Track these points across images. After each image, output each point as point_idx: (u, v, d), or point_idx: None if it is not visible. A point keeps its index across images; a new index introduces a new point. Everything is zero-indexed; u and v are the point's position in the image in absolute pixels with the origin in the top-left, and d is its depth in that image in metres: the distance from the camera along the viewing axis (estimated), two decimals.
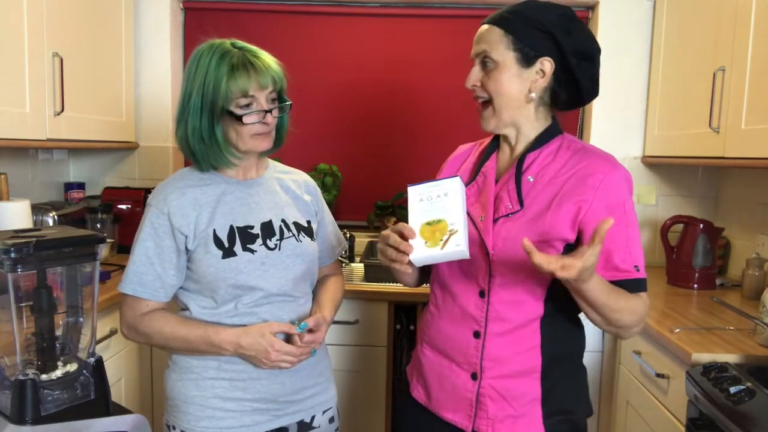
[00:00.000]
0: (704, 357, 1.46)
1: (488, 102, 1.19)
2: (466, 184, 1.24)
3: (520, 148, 1.23)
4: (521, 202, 1.15)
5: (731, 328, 1.66)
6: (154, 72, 2.60)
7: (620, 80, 2.53)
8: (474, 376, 1.18)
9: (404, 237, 1.09)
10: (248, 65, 1.22)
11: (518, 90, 1.17)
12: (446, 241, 1.06)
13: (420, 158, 2.67)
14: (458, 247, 1.06)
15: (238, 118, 1.23)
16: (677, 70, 2.29)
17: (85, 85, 2.14)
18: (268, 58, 1.26)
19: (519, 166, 1.19)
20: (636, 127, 2.56)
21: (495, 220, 1.16)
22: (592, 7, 2.59)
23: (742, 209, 2.37)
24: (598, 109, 2.57)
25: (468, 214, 1.17)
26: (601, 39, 2.52)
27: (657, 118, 2.43)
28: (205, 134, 1.25)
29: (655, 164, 2.53)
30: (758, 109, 1.72)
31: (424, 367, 1.27)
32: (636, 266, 1.13)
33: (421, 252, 1.07)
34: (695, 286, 2.17)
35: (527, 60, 1.15)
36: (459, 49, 2.62)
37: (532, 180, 1.17)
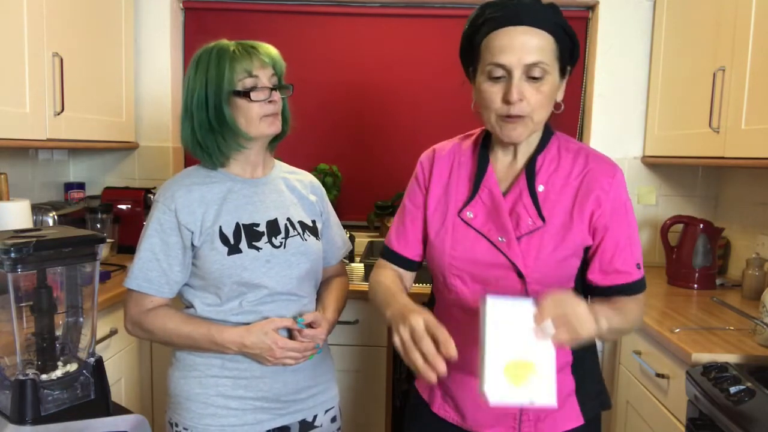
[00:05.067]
0: (704, 357, 1.46)
1: (524, 116, 1.08)
2: (467, 200, 1.17)
3: (525, 155, 1.17)
4: (542, 217, 1.11)
5: (731, 328, 1.66)
6: (154, 72, 2.60)
7: (620, 80, 2.53)
8: None
9: (437, 345, 0.93)
10: (249, 49, 1.27)
11: (553, 103, 1.11)
12: (531, 384, 0.91)
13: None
14: (548, 397, 0.91)
15: (246, 95, 1.26)
16: (677, 70, 2.29)
17: (85, 85, 2.14)
18: (266, 45, 1.31)
19: (530, 177, 1.14)
20: (636, 127, 2.56)
21: (518, 239, 1.11)
22: (592, 7, 2.59)
23: (742, 209, 2.37)
24: (598, 109, 2.57)
25: (482, 235, 1.13)
26: (601, 39, 2.53)
27: (657, 118, 2.43)
28: (213, 121, 1.27)
29: (655, 164, 2.53)
30: (758, 109, 1.72)
31: (453, 389, 1.21)
32: (638, 264, 1.14)
33: (500, 390, 0.91)
34: (695, 286, 2.17)
35: (563, 71, 1.11)
36: (458, 50, 2.62)
37: (542, 189, 1.13)
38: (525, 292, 1.12)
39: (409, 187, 1.29)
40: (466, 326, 1.17)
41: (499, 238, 1.12)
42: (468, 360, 1.17)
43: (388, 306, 1.08)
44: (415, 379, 1.33)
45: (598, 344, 2.04)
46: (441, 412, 1.24)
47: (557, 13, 1.08)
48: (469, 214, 1.16)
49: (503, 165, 1.19)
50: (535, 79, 1.05)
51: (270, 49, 1.31)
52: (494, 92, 1.07)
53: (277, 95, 1.30)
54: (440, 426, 1.24)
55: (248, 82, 1.26)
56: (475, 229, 1.15)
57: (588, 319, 0.93)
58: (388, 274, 1.24)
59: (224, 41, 1.30)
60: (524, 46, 1.04)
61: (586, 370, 1.20)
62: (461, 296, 1.17)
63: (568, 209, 1.12)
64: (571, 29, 1.09)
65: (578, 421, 1.18)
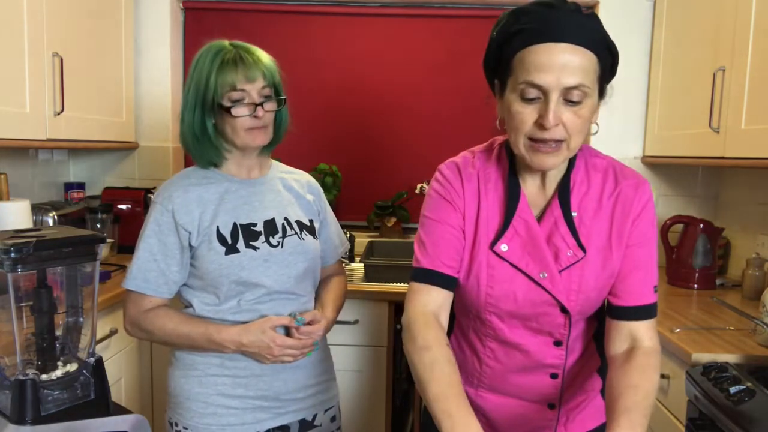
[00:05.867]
0: (704, 357, 1.46)
1: (560, 141, 0.98)
2: (499, 231, 1.06)
3: (555, 179, 1.08)
4: (583, 248, 1.04)
5: (731, 328, 1.66)
6: (154, 72, 2.60)
7: (620, 80, 2.49)
8: (552, 406, 1.15)
9: None
10: (238, 60, 1.25)
11: (589, 127, 1.01)
12: None
13: (420, 158, 2.67)
14: None
15: (228, 111, 1.25)
16: (677, 70, 2.29)
17: (85, 85, 2.14)
18: (260, 54, 1.29)
19: (564, 203, 1.06)
20: (636, 127, 2.56)
21: (559, 272, 1.05)
22: (592, 7, 2.59)
23: (742, 209, 2.37)
24: None
25: (521, 271, 1.05)
26: None
27: (657, 118, 2.43)
28: (197, 128, 1.28)
29: (655, 164, 2.53)
30: (758, 109, 1.72)
31: (487, 409, 1.17)
32: (655, 287, 1.08)
33: None
34: (695, 286, 2.17)
35: (603, 91, 1.01)
36: (459, 49, 2.62)
37: (576, 215, 1.06)
38: (568, 326, 1.09)
39: (435, 203, 1.12)
40: (506, 358, 1.14)
41: (541, 275, 1.05)
42: (509, 390, 1.16)
43: (451, 423, 0.91)
44: None
45: None
46: None
47: (600, 26, 0.96)
48: (503, 247, 1.06)
49: (533, 189, 1.09)
50: (573, 102, 0.94)
51: (262, 59, 1.28)
52: (526, 114, 0.96)
53: (261, 111, 1.26)
54: None
55: (234, 95, 1.25)
56: (510, 263, 1.06)
57: None
58: (442, 352, 1.01)
59: (224, 44, 1.28)
60: (565, 67, 0.92)
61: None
62: (498, 331, 1.11)
63: (606, 235, 1.06)
64: (613, 43, 0.98)
65: (603, 417, 1.17)
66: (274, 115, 1.32)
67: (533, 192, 1.09)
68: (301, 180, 1.47)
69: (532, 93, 0.95)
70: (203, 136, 1.29)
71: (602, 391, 1.19)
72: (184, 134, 1.31)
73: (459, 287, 1.12)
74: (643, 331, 1.06)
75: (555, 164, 1.01)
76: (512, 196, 1.07)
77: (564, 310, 1.06)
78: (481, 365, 1.16)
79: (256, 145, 1.30)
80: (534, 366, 1.12)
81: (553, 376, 1.13)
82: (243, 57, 1.25)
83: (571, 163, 1.08)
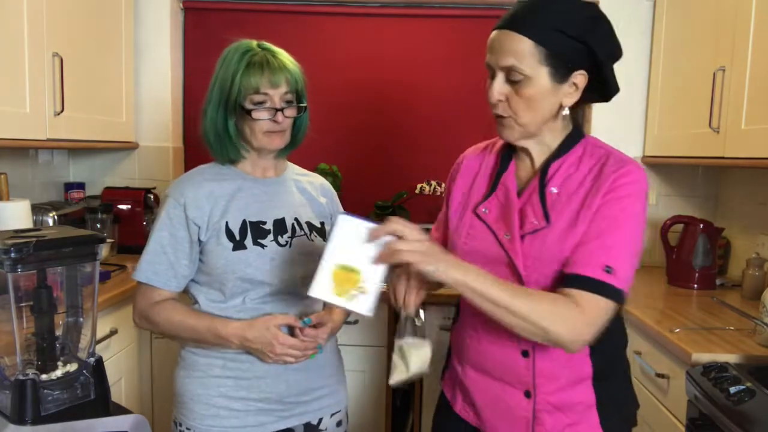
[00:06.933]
0: (704, 357, 1.46)
1: (503, 117, 1.10)
2: (485, 196, 1.19)
3: (542, 157, 1.15)
4: (547, 217, 1.09)
5: (731, 328, 1.66)
6: (154, 72, 2.60)
7: (620, 80, 2.50)
8: (527, 394, 1.14)
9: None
10: (264, 63, 1.26)
11: (550, 107, 1.08)
12: (354, 297, 1.03)
13: (420, 158, 2.67)
14: (366, 311, 1.03)
15: (249, 113, 1.27)
16: (677, 70, 2.29)
17: (85, 85, 2.14)
18: (285, 59, 1.30)
19: (542, 177, 1.12)
20: (636, 127, 2.56)
21: (522, 237, 1.10)
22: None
23: (742, 209, 2.37)
24: (598, 109, 2.56)
25: (491, 230, 1.15)
26: None
27: (657, 118, 2.43)
28: (219, 126, 1.31)
29: (655, 164, 2.53)
30: (758, 109, 1.72)
31: (471, 390, 1.21)
32: (607, 267, 1.01)
33: (323, 294, 1.04)
34: (695, 286, 2.17)
35: (561, 75, 1.06)
36: (459, 49, 2.62)
37: (555, 192, 1.11)
38: None
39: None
40: (481, 326, 1.16)
41: (505, 235, 1.12)
42: (487, 366, 1.18)
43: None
44: (442, 379, 1.34)
45: None
46: (463, 413, 1.25)
47: (558, 18, 1.03)
48: (484, 210, 1.17)
49: (524, 166, 1.18)
50: (513, 81, 1.06)
51: (287, 65, 1.29)
52: (489, 91, 1.11)
53: (281, 116, 1.28)
54: (461, 426, 1.25)
55: (256, 98, 1.26)
56: (486, 224, 1.16)
57: (438, 257, 1.00)
58: None
59: (252, 45, 1.29)
60: (500, 50, 1.06)
61: (609, 384, 1.15)
62: None
63: (575, 212, 1.08)
64: (585, 34, 1.03)
65: None
66: (293, 120, 1.34)
67: (525, 168, 1.18)
68: (315, 183, 1.48)
69: (491, 72, 1.10)
70: (224, 134, 1.31)
71: (598, 408, 1.14)
72: (206, 130, 1.32)
73: (448, 248, 1.20)
74: (579, 297, 1.01)
75: (510, 137, 1.12)
76: (501, 167, 1.19)
77: (516, 272, 1.10)
78: (465, 335, 1.23)
79: (273, 148, 1.33)
80: (502, 336, 1.12)
81: (524, 353, 1.13)
82: (269, 61, 1.27)
83: (565, 148, 1.14)
